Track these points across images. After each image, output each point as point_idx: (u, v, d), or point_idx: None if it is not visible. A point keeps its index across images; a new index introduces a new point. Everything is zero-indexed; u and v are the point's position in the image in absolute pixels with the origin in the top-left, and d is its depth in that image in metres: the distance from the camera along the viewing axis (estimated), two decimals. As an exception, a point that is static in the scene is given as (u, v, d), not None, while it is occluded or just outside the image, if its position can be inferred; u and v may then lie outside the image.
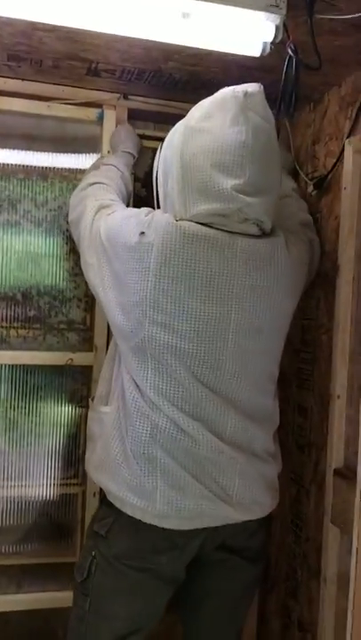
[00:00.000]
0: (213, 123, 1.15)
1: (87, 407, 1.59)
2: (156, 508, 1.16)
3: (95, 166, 1.49)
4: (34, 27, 1.22)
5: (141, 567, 1.20)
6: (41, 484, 1.60)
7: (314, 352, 1.54)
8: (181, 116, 1.61)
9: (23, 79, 1.52)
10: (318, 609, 1.39)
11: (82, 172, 1.59)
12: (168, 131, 1.63)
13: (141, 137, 1.59)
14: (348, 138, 1.37)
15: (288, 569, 1.62)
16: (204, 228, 1.15)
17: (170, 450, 1.16)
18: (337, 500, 1.34)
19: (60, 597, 1.56)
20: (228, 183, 1.12)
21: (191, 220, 1.15)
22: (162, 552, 1.20)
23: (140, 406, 1.17)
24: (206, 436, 1.16)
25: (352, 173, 1.32)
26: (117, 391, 1.25)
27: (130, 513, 1.18)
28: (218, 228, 1.16)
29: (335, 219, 1.44)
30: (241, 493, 1.21)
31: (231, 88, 1.18)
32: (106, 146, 1.56)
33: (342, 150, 1.38)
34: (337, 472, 1.34)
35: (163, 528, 1.17)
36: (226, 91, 1.18)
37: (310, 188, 1.53)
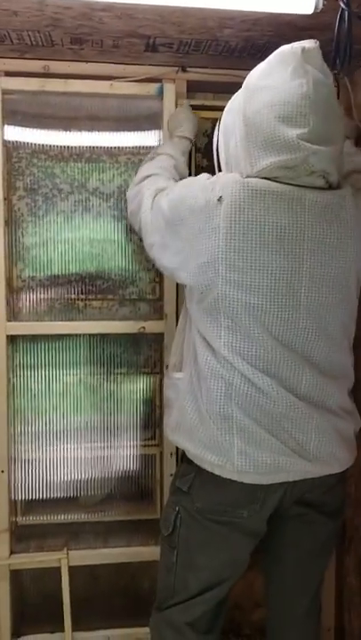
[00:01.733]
0: (273, 78, 1.17)
1: (161, 373, 1.67)
2: (233, 464, 1.18)
3: (150, 157, 1.52)
4: (91, 7, 1.28)
5: (223, 521, 1.24)
6: (121, 446, 1.70)
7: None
8: (240, 84, 1.65)
9: (87, 61, 1.60)
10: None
11: (145, 148, 1.65)
12: (227, 100, 1.68)
13: (201, 107, 1.62)
14: None
15: (364, 526, 1.64)
16: (272, 183, 1.15)
17: (245, 407, 1.18)
18: None
19: (143, 552, 1.67)
20: (293, 132, 1.12)
21: (258, 177, 1.16)
22: (242, 506, 1.23)
23: (213, 367, 1.20)
24: (281, 392, 1.18)
25: None
26: (190, 357, 1.28)
27: (209, 469, 1.22)
28: (285, 183, 1.16)
29: None
30: (318, 448, 1.22)
31: (289, 45, 1.18)
32: (166, 119, 1.60)
33: None
34: None
35: (242, 482, 1.20)
36: (283, 48, 1.19)
37: None
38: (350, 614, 1.74)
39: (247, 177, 1.17)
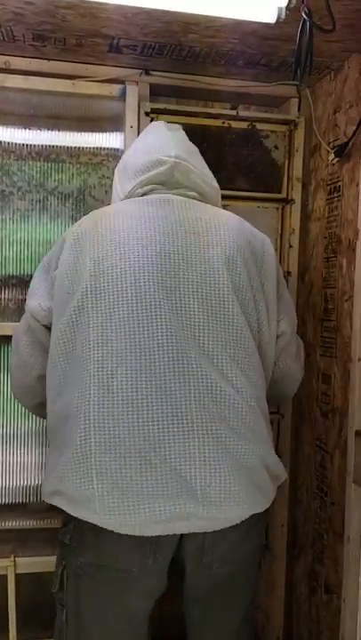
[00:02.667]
0: (144, 136, 1.33)
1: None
2: (97, 512, 0.97)
3: None
4: (55, 4, 1.26)
5: (111, 577, 1.05)
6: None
7: (336, 320, 1.55)
8: (203, 90, 1.66)
9: (48, 59, 1.57)
10: (344, 570, 1.42)
11: (106, 150, 1.64)
12: (190, 105, 1.68)
13: (163, 111, 1.62)
14: (367, 102, 1.38)
15: (315, 534, 1.65)
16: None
17: (102, 427, 0.99)
18: (359, 461, 1.36)
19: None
20: (157, 155, 1.21)
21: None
22: (130, 560, 1.03)
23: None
24: (152, 401, 1.00)
25: (371, 137, 1.33)
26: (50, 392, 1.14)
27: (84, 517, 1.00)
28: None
29: (356, 185, 1.45)
30: (207, 484, 0.98)
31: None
32: (129, 122, 1.59)
33: (362, 116, 1.39)
34: (359, 433, 1.37)
35: (119, 534, 0.99)
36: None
37: (331, 157, 1.55)
38: (299, 624, 1.75)
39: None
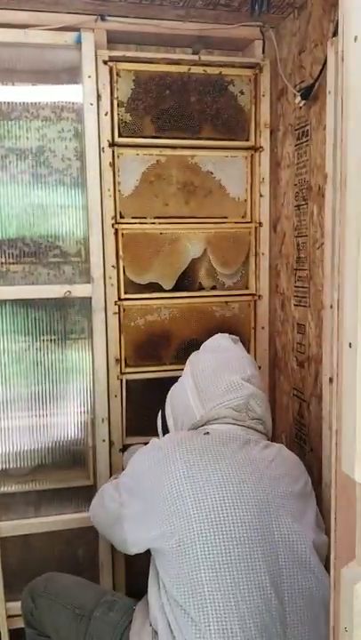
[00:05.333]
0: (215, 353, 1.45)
1: (89, 337, 1.63)
2: None
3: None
4: None
5: None
6: (51, 414, 1.66)
7: (309, 269, 1.53)
8: (163, 35, 1.59)
9: (-2, 7, 1.49)
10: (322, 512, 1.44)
11: (65, 103, 1.58)
12: (150, 51, 1.61)
13: (122, 59, 1.55)
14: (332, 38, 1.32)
15: (295, 481, 1.67)
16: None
17: None
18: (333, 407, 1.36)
19: (76, 519, 1.64)
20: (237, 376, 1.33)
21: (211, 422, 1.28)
22: None
23: None
24: None
25: (336, 75, 1.29)
26: None
27: None
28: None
29: (323, 129, 1.41)
30: None
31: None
32: (86, 72, 1.52)
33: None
34: (332, 380, 1.36)
35: None
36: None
37: (298, 99, 1.50)
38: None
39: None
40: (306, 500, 1.19)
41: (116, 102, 1.56)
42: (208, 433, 1.21)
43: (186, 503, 1.06)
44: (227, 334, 1.54)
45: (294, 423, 1.67)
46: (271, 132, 1.69)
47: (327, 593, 1.07)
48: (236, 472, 1.11)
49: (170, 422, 1.40)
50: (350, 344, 0.64)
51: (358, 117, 0.61)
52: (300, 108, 1.53)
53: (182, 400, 1.36)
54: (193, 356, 1.48)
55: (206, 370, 1.37)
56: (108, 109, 1.55)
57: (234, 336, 1.54)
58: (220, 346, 1.48)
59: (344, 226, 0.66)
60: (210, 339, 1.53)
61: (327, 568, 1.14)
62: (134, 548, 1.15)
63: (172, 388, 1.44)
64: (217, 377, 1.34)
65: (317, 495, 1.47)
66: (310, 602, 1.06)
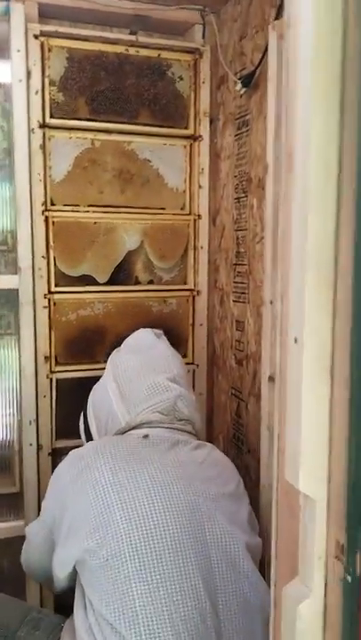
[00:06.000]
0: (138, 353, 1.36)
1: (16, 334, 1.52)
2: None
3: None
4: None
5: None
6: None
7: (249, 264, 1.48)
8: (99, 13, 1.50)
9: None
10: (259, 515, 1.40)
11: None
12: (83, 28, 1.52)
13: (55, 35, 1.45)
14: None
15: (232, 483, 1.62)
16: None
17: None
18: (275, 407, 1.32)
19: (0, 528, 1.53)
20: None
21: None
22: None
23: None
24: None
25: (277, 60, 1.23)
26: None
27: None
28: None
29: (264, 118, 1.36)
30: None
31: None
32: (15, 45, 1.41)
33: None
34: (271, 378, 1.32)
35: None
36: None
37: (238, 87, 1.44)
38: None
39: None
40: (238, 501, 1.14)
41: (47, 81, 1.45)
42: (147, 436, 1.14)
43: (113, 512, 0.98)
44: (149, 329, 1.46)
45: (232, 423, 1.62)
46: (211, 122, 1.63)
47: (263, 599, 1.02)
48: (165, 475, 1.05)
49: (92, 427, 1.31)
50: (296, 339, 0.58)
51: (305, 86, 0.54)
52: (241, 96, 1.48)
53: (105, 405, 1.28)
54: (114, 356, 1.39)
55: (129, 371, 1.29)
56: (39, 88, 1.44)
57: (157, 330, 1.47)
58: (144, 343, 1.40)
59: (289, 212, 0.60)
60: (131, 335, 1.45)
61: (262, 572, 1.10)
62: (60, 573, 1.05)
63: (94, 388, 1.36)
64: (141, 379, 1.26)
65: (255, 497, 1.42)
66: (245, 609, 1.01)
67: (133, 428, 1.20)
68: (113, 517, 0.98)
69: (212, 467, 1.15)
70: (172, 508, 1.01)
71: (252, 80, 1.40)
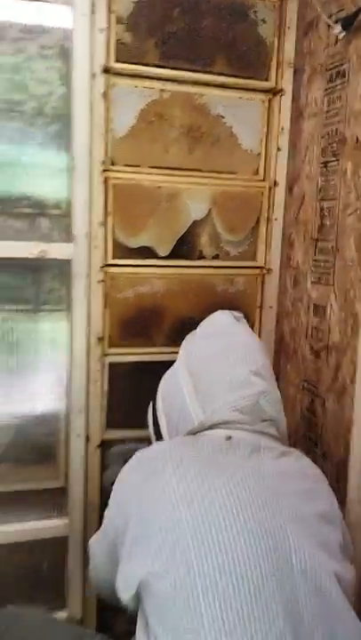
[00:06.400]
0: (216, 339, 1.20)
1: (67, 310, 1.34)
2: None
3: None
4: None
5: None
6: (17, 400, 1.37)
7: (336, 239, 1.28)
8: None
9: None
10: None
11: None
12: None
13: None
14: None
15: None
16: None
17: None
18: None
19: (40, 528, 1.37)
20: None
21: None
22: None
23: None
24: None
25: None
26: None
27: None
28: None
29: (369, 67, 1.15)
30: None
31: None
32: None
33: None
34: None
35: None
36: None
37: (337, 30, 1.22)
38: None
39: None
40: (332, 523, 0.95)
41: (114, 17, 1.25)
42: (231, 438, 0.97)
43: (183, 530, 0.81)
44: (227, 311, 1.28)
45: (302, 420, 1.43)
46: (295, 74, 1.41)
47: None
48: (246, 491, 0.87)
49: (162, 421, 1.14)
50: None
51: None
52: (336, 43, 1.26)
53: (177, 399, 1.11)
54: (188, 341, 1.22)
55: (204, 361, 1.13)
56: (105, 26, 1.24)
57: (237, 312, 1.29)
58: (221, 327, 1.23)
59: None
60: (207, 317, 1.27)
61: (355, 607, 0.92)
62: (125, 594, 0.89)
63: (165, 377, 1.18)
64: (218, 371, 1.09)
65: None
66: None
67: (208, 428, 1.03)
68: (183, 538, 0.81)
69: (302, 479, 0.97)
70: (254, 534, 0.83)
71: (355, 22, 1.18)
